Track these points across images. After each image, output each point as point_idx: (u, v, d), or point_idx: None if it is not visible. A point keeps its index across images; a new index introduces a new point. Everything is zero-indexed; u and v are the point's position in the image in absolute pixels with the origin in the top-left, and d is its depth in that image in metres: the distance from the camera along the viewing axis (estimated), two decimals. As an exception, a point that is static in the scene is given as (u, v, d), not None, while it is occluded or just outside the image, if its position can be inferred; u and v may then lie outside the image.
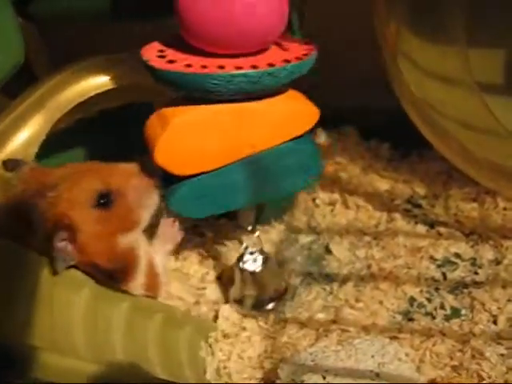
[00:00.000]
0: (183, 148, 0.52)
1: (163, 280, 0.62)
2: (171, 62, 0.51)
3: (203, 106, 0.52)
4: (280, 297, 0.68)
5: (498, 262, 0.69)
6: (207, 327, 0.64)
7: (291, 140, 0.55)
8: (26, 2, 0.61)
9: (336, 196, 0.78)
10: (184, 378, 0.58)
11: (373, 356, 0.56)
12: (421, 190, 0.77)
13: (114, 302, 0.55)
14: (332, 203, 0.77)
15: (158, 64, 0.51)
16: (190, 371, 0.59)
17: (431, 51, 0.63)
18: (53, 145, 0.67)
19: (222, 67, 0.50)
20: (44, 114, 0.62)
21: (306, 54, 0.52)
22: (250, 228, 0.64)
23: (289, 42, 0.55)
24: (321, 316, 0.66)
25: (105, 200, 0.54)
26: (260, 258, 0.66)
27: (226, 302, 0.68)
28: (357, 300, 0.67)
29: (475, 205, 0.74)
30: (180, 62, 0.51)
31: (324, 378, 0.53)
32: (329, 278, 0.70)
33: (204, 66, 0.50)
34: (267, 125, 0.54)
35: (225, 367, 0.62)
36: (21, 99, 0.63)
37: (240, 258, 0.66)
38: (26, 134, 0.61)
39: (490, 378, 0.58)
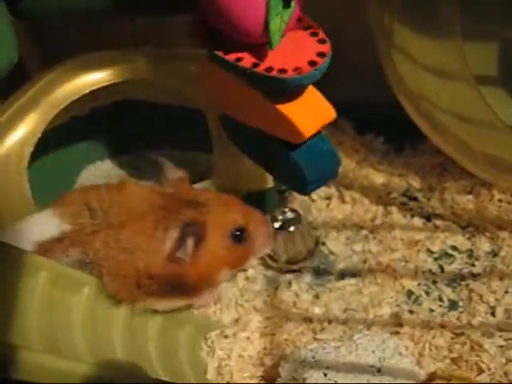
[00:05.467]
0: None
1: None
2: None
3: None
4: (310, 256, 0.71)
5: (494, 254, 0.69)
6: (207, 326, 0.64)
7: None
8: (18, 1, 0.60)
9: (332, 190, 0.77)
10: (184, 377, 0.58)
11: (373, 351, 0.56)
12: (416, 184, 0.77)
13: (114, 301, 0.54)
14: (328, 197, 0.77)
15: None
16: (190, 371, 0.59)
17: (426, 44, 0.63)
18: (48, 143, 0.66)
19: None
20: (39, 111, 0.62)
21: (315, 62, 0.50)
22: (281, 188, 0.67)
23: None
24: (319, 312, 0.66)
25: (239, 235, 0.59)
26: (292, 217, 0.69)
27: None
28: (355, 294, 0.67)
29: (471, 197, 0.74)
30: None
31: (325, 375, 0.53)
32: (326, 273, 0.70)
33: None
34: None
35: (225, 365, 0.62)
36: (15, 97, 0.63)
37: (273, 217, 0.68)
38: (21, 133, 0.61)
39: (489, 369, 0.59)
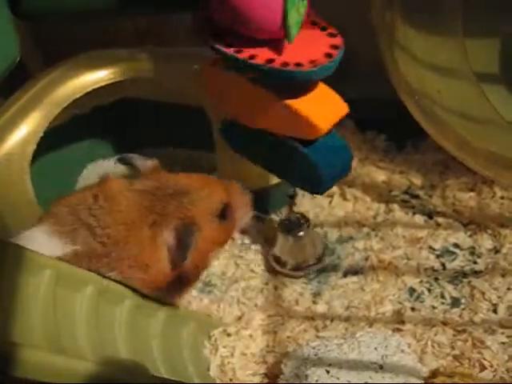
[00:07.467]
0: None
1: None
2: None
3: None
4: (318, 263, 0.70)
5: (496, 251, 0.69)
6: (210, 324, 0.64)
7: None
8: (19, 1, 0.60)
9: (333, 188, 0.77)
10: (187, 375, 0.58)
11: (376, 348, 0.56)
12: (418, 181, 0.77)
13: (117, 299, 0.54)
14: (330, 195, 0.77)
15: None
16: (193, 368, 0.59)
17: (428, 42, 0.63)
18: (50, 142, 0.66)
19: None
20: (41, 110, 0.62)
21: (329, 54, 0.52)
22: (292, 192, 0.67)
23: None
24: (321, 309, 0.66)
25: (224, 212, 0.59)
26: (303, 224, 0.68)
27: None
28: (357, 292, 0.67)
29: (472, 194, 0.74)
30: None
31: (328, 372, 0.54)
32: (328, 271, 0.70)
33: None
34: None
35: (228, 363, 0.62)
36: (16, 97, 0.63)
37: (284, 222, 0.69)
38: (24, 132, 0.61)
39: (491, 366, 0.59)
